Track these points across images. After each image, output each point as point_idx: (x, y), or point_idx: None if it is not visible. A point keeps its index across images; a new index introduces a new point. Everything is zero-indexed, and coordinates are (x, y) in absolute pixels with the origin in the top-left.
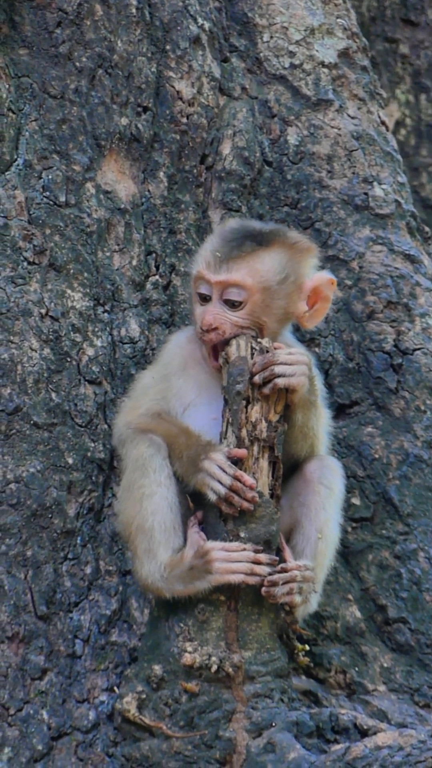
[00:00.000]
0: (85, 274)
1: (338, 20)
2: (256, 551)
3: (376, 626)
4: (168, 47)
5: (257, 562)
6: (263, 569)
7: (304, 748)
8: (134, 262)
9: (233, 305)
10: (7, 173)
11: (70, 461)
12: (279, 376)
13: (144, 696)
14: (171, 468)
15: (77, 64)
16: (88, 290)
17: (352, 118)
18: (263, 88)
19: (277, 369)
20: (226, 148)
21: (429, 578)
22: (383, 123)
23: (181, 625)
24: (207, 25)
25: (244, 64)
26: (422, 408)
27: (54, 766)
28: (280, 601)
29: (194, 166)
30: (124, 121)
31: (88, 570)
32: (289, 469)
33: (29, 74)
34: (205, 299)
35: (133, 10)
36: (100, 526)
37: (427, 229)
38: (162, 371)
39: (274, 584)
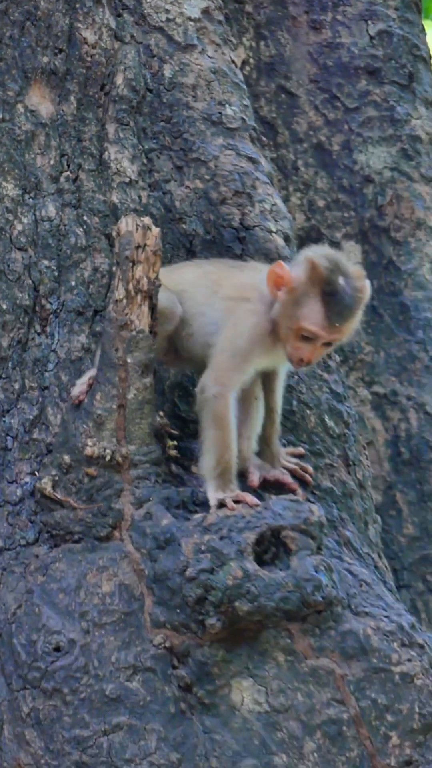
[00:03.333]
0: (16, 171)
1: None
2: None
3: None
4: (77, 5)
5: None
6: None
7: (173, 516)
8: (52, 162)
9: (329, 345)
10: None
11: (4, 307)
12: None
13: (57, 478)
14: None
15: (11, 18)
16: (17, 182)
17: (211, 58)
18: (146, 36)
19: None
20: (119, 80)
21: None
22: (233, 62)
23: (84, 426)
24: None
25: (132, 18)
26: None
27: None
28: None
29: (96, 92)
30: (45, 59)
31: (17, 386)
32: None
33: None
34: (308, 340)
35: None
36: (26, 354)
37: (264, 139)
38: (247, 345)
39: None
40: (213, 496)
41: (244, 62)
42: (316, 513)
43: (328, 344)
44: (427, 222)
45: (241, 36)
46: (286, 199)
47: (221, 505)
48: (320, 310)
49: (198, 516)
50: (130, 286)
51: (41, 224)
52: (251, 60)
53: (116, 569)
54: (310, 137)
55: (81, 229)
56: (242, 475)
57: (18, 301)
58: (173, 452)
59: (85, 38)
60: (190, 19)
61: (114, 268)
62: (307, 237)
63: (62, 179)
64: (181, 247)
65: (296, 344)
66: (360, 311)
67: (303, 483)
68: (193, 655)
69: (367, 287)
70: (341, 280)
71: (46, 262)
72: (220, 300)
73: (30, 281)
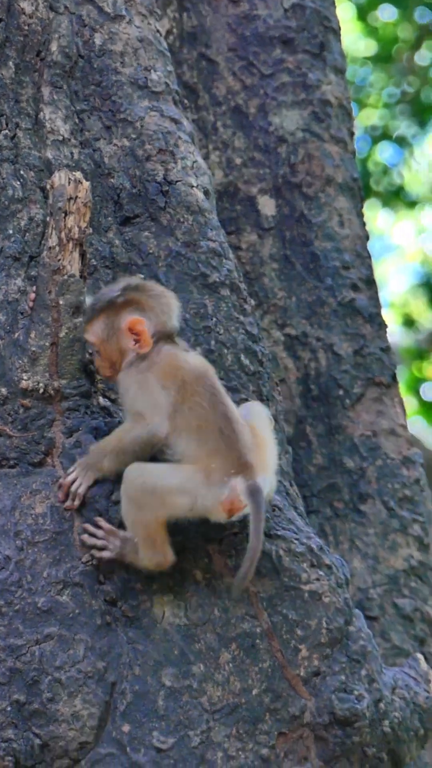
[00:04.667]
0: None
1: None
2: None
3: None
4: None
5: None
6: None
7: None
8: None
9: (97, 351)
10: None
11: None
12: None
13: None
14: None
15: None
16: None
17: (138, 27)
18: (78, 7)
19: None
20: (53, 47)
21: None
22: (158, 31)
23: (19, 361)
24: None
25: None
26: (181, 220)
27: None
28: None
29: (32, 58)
30: None
31: None
32: None
33: None
34: None
35: None
36: None
37: (186, 102)
38: None
39: None
40: None
41: (168, 32)
42: None
43: (98, 352)
44: (335, 179)
45: (166, 8)
46: (206, 157)
47: None
48: None
49: None
50: (63, 235)
51: None
52: (174, 30)
53: (48, 492)
54: (228, 100)
55: (18, 183)
56: None
57: None
58: (101, 386)
59: (22, 9)
60: None
61: (48, 218)
62: (225, 192)
63: (1, 137)
64: (110, 199)
65: None
66: (100, 318)
67: None
68: (117, 573)
69: (109, 293)
70: (102, 289)
71: None
72: None
73: None
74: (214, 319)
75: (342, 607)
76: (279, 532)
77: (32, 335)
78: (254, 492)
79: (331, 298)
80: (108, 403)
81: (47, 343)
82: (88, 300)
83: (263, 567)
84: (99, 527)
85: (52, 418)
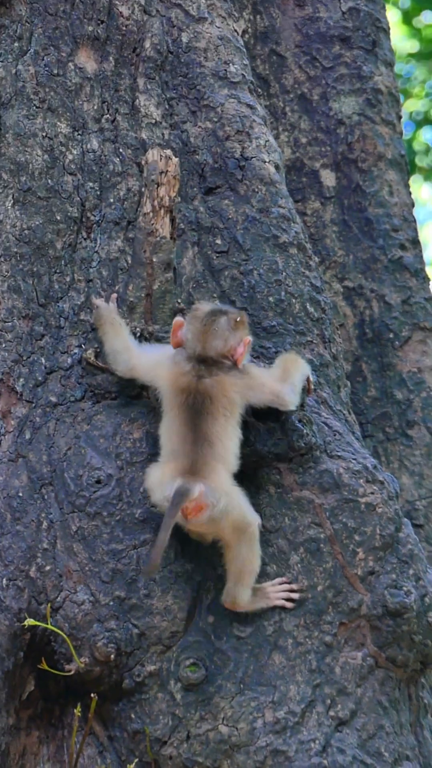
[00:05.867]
0: (68, 114)
1: None
2: None
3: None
4: None
5: None
6: None
7: None
8: (95, 107)
9: None
10: (24, 56)
11: (58, 218)
12: None
13: (99, 350)
14: None
15: None
16: (69, 122)
17: (218, 27)
18: (168, 10)
19: None
20: (147, 44)
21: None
22: (236, 31)
23: (119, 310)
24: None
25: None
26: (256, 190)
27: (47, 389)
28: None
29: (129, 54)
30: (90, 28)
31: (68, 279)
32: None
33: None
34: None
35: None
36: (75, 255)
37: (259, 90)
38: None
39: None
40: None
41: (244, 31)
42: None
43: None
44: (386, 155)
45: (242, 11)
46: (276, 137)
47: None
48: None
49: None
50: (155, 203)
51: (87, 155)
52: (249, 29)
53: (144, 420)
54: (295, 89)
55: (117, 159)
56: None
57: (69, 214)
58: None
59: (121, 12)
60: None
61: (143, 189)
62: (293, 166)
63: (103, 120)
64: (195, 173)
65: None
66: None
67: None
68: None
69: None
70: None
71: (90, 184)
72: None
73: (78, 198)
74: (284, 273)
75: (393, 517)
76: (339, 453)
77: (130, 288)
78: (177, 492)
79: (382, 255)
80: None
81: (143, 295)
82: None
83: (326, 483)
84: None
85: None
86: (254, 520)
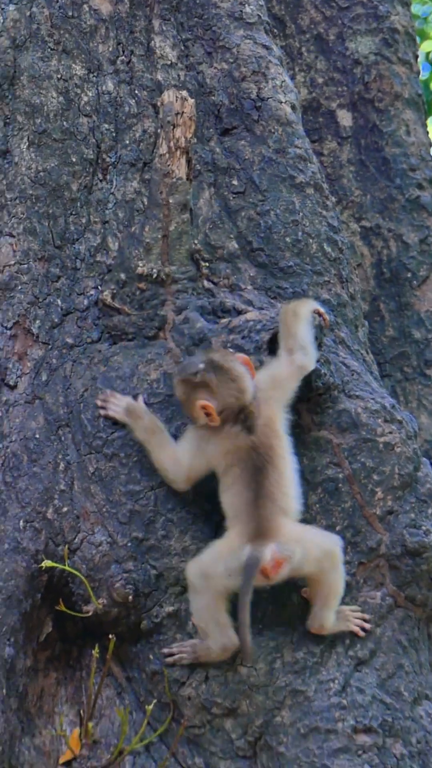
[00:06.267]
0: (83, 56)
1: None
2: None
3: (246, 254)
4: None
5: None
6: None
7: (205, 321)
8: (110, 49)
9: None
10: None
11: (74, 159)
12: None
13: (115, 291)
14: None
15: None
16: (84, 64)
17: None
18: None
19: None
20: None
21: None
22: None
23: (136, 251)
24: None
25: None
26: (272, 130)
27: (63, 330)
28: None
29: None
30: None
31: (84, 221)
32: None
33: None
34: None
35: None
36: (91, 196)
37: (275, 31)
38: None
39: None
40: None
41: None
42: (317, 318)
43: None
44: (403, 95)
45: None
46: (292, 77)
47: None
48: None
49: (225, 320)
50: (171, 144)
51: (102, 96)
52: None
53: (161, 361)
54: (311, 29)
55: (133, 101)
56: None
57: (84, 156)
58: (206, 272)
59: None
60: None
61: (159, 130)
62: (309, 106)
63: (118, 62)
64: (211, 114)
65: None
66: (181, 384)
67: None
68: None
69: (195, 368)
70: (198, 351)
71: (106, 126)
72: None
73: (94, 140)
74: (301, 213)
75: (411, 456)
76: (357, 393)
77: (146, 229)
78: (248, 564)
79: (399, 195)
80: (212, 286)
81: (159, 236)
82: (180, 366)
83: (344, 422)
84: (170, 650)
85: (164, 299)
86: (335, 545)
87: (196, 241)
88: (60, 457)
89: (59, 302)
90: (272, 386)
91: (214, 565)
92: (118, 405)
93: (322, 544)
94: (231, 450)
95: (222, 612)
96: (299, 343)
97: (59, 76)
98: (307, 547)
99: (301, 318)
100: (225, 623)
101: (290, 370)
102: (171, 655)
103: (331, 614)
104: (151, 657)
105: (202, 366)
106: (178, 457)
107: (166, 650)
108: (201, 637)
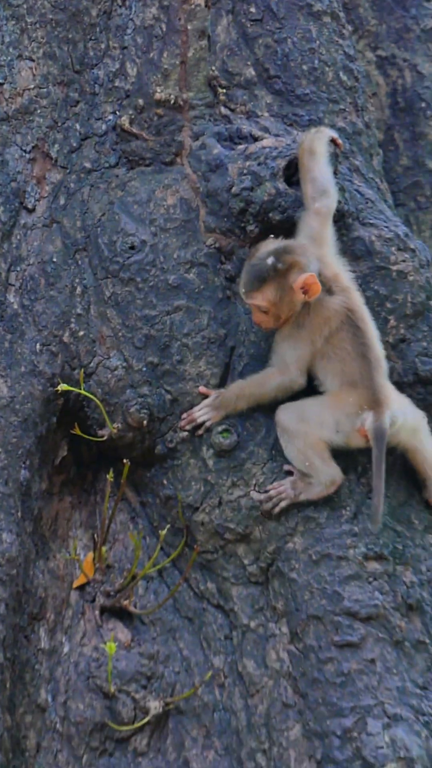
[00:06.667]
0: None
1: None
2: None
3: (263, 81)
4: None
5: None
6: None
7: (222, 147)
8: None
9: (263, 311)
10: None
11: None
12: None
13: (133, 117)
14: None
15: None
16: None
17: None
18: None
19: None
20: None
21: None
22: None
23: (154, 76)
24: None
25: None
26: None
27: (81, 155)
28: None
29: None
30: None
31: (102, 46)
32: None
33: None
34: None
35: None
36: (110, 22)
37: None
38: None
39: None
40: None
41: None
42: (332, 146)
43: (264, 312)
44: None
45: None
46: None
47: None
48: (242, 277)
49: (241, 146)
50: None
51: None
52: None
53: (178, 187)
54: None
55: None
56: None
57: None
58: (223, 98)
59: None
60: None
61: None
62: None
63: None
64: None
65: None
66: (272, 285)
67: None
68: (237, 254)
69: (275, 264)
70: (259, 252)
71: None
72: None
73: None
74: (318, 42)
75: (424, 285)
76: (371, 221)
77: (164, 55)
78: (378, 434)
79: (415, 25)
80: (228, 113)
81: (177, 62)
82: (247, 268)
83: (358, 250)
84: (266, 491)
85: (181, 125)
86: (423, 417)
87: (213, 68)
88: (77, 281)
89: (78, 126)
90: (318, 245)
91: (320, 416)
92: (203, 412)
93: (416, 414)
94: (328, 318)
95: (325, 449)
96: (319, 188)
97: None
98: (407, 415)
99: (317, 156)
100: (328, 457)
101: (319, 219)
102: (269, 499)
103: None
104: (165, 482)
105: (271, 259)
106: (285, 362)
107: (257, 496)
108: (301, 480)
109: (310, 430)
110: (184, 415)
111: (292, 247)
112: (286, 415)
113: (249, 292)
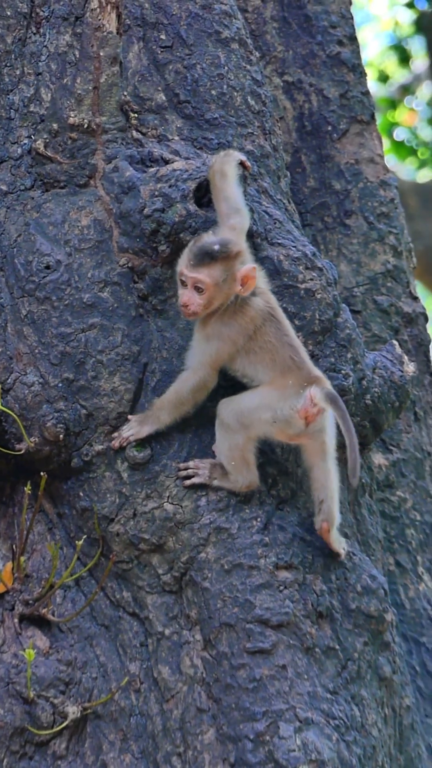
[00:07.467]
0: None
1: None
2: None
3: (173, 106)
4: None
5: None
6: None
7: (134, 170)
8: None
9: (199, 291)
10: None
11: (8, 13)
12: None
13: (47, 140)
14: None
15: None
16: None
17: None
18: None
19: None
20: None
21: None
22: None
23: (68, 102)
24: None
25: None
26: None
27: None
28: None
29: None
30: None
31: (18, 72)
32: None
33: None
34: (184, 284)
35: None
36: (25, 48)
37: None
38: None
39: None
40: None
41: None
42: (241, 169)
43: (198, 289)
44: None
45: None
46: None
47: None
48: (185, 254)
49: (153, 169)
50: None
51: None
52: None
53: (92, 208)
54: None
55: None
56: None
57: (18, 9)
58: (135, 122)
59: None
60: None
61: None
62: None
63: None
64: None
65: (179, 292)
66: (219, 265)
67: None
68: (149, 274)
69: (227, 245)
70: (206, 236)
71: None
72: None
73: None
74: (226, 67)
75: (331, 302)
76: (279, 241)
77: (78, 81)
78: (332, 397)
79: (321, 51)
80: (140, 136)
81: (90, 87)
82: (197, 245)
83: (267, 270)
84: (189, 462)
85: (94, 148)
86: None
87: (125, 93)
88: None
89: None
90: None
91: (258, 411)
92: (131, 429)
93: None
94: (254, 317)
95: (252, 452)
96: (233, 205)
97: None
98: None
99: (228, 178)
100: (252, 462)
101: (235, 234)
102: (186, 469)
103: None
104: (81, 494)
105: (217, 245)
106: (201, 362)
107: (181, 465)
108: (221, 468)
109: (247, 429)
110: (115, 435)
111: (237, 241)
112: (227, 410)
113: (195, 266)
